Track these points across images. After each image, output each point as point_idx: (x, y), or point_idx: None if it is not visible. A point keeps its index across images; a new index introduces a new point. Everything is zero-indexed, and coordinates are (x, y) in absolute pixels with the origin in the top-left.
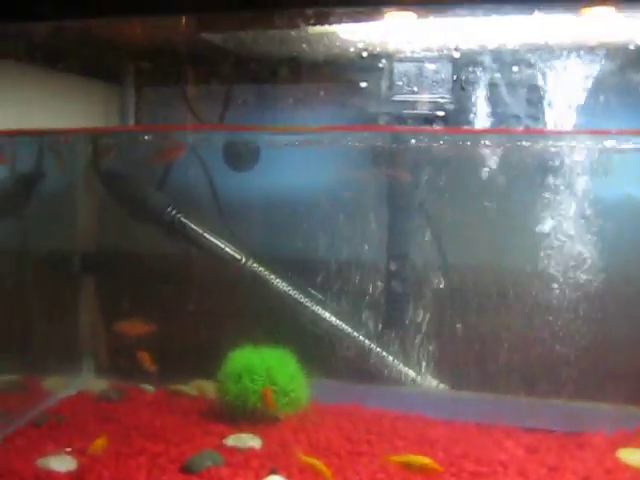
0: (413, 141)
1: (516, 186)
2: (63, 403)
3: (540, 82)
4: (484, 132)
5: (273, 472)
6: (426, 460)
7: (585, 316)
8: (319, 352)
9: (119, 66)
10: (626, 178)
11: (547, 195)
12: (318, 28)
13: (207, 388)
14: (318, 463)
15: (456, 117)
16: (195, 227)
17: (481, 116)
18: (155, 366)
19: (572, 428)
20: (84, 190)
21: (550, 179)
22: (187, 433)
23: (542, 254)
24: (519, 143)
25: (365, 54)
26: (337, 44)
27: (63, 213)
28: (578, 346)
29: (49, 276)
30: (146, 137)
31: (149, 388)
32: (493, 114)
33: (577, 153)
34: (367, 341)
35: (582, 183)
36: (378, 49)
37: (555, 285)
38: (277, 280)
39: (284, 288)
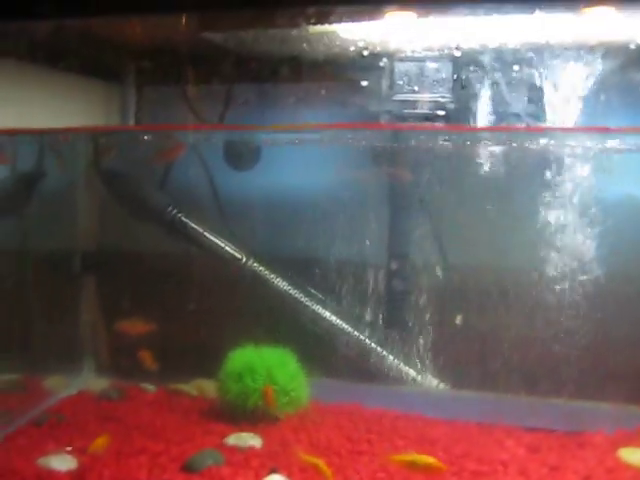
0: (414, 140)
1: (515, 184)
2: (64, 402)
3: (540, 81)
4: (484, 130)
5: (274, 471)
6: (430, 459)
7: (586, 315)
8: (319, 351)
9: (120, 65)
10: (627, 177)
11: (547, 194)
12: (319, 27)
13: (208, 387)
14: (319, 462)
15: (457, 116)
16: (195, 226)
17: (481, 115)
18: (156, 365)
19: (573, 427)
20: (85, 189)
21: (550, 178)
22: (188, 432)
23: (542, 253)
24: (520, 142)
25: (366, 53)
26: (338, 43)
27: (64, 212)
28: (579, 345)
29: (50, 275)
30: (146, 136)
31: (150, 387)
32: (494, 113)
33: (577, 151)
34: (367, 340)
35: (583, 181)
36: (379, 48)
37: (555, 284)
38: (277, 279)
39: (284, 287)
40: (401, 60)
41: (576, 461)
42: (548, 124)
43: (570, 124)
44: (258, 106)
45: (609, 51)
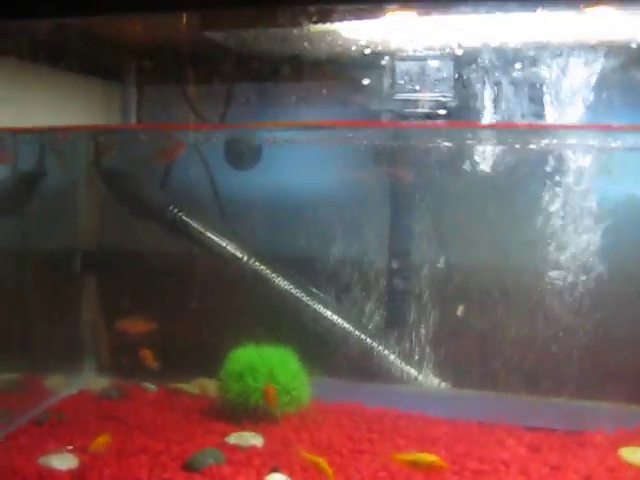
0: (415, 139)
1: (517, 183)
2: (64, 402)
3: (542, 79)
4: (484, 127)
5: (275, 470)
6: (433, 457)
7: (586, 315)
8: (321, 350)
9: (120, 64)
10: (629, 176)
11: (548, 192)
12: (320, 26)
13: (209, 386)
14: (321, 461)
15: (458, 114)
16: (196, 226)
17: (483, 113)
18: (157, 364)
19: (574, 427)
20: (85, 189)
21: (552, 176)
22: (189, 431)
23: (543, 252)
24: (521, 141)
25: (367, 52)
26: (339, 42)
27: (64, 212)
28: (580, 345)
29: (50, 275)
30: (147, 135)
31: (151, 387)
32: (495, 111)
33: (578, 150)
34: (369, 339)
35: (584, 180)
36: (380, 47)
37: (556, 284)
38: (278, 279)
39: (285, 287)
40: (402, 59)
41: (577, 460)
42: (549, 121)
43: (572, 122)
44: (259, 105)
45: (612, 49)
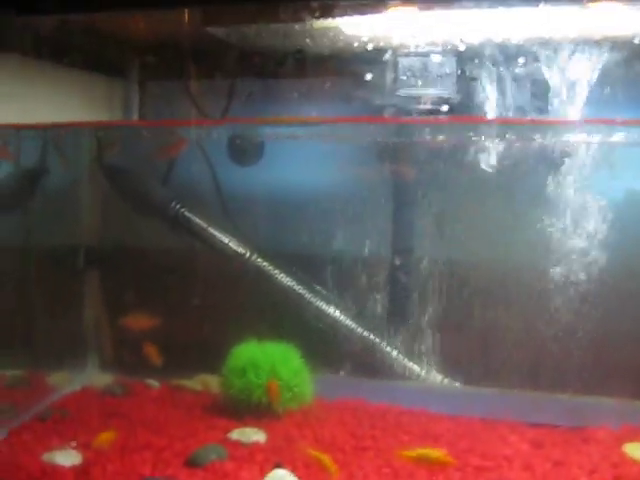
0: (417, 135)
1: (518, 179)
2: (67, 398)
3: (545, 75)
4: (487, 122)
5: (277, 466)
6: (439, 453)
7: (590, 310)
8: (323, 347)
9: (123, 60)
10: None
11: (550, 188)
12: (322, 22)
13: (211, 383)
14: (325, 458)
15: (461, 110)
16: (199, 222)
17: (485, 108)
18: (162, 359)
19: (577, 423)
20: (88, 185)
21: (553, 172)
22: (191, 427)
23: (546, 248)
24: (524, 136)
25: (369, 47)
26: (341, 38)
27: (67, 208)
28: (583, 341)
29: (53, 271)
30: (150, 132)
31: (153, 383)
32: (498, 106)
33: (581, 144)
34: (371, 336)
35: (586, 176)
36: (382, 43)
37: (559, 279)
38: (281, 275)
39: (288, 283)
40: (405, 55)
41: (580, 456)
42: (552, 117)
43: (575, 117)
44: (261, 101)
45: (615, 44)
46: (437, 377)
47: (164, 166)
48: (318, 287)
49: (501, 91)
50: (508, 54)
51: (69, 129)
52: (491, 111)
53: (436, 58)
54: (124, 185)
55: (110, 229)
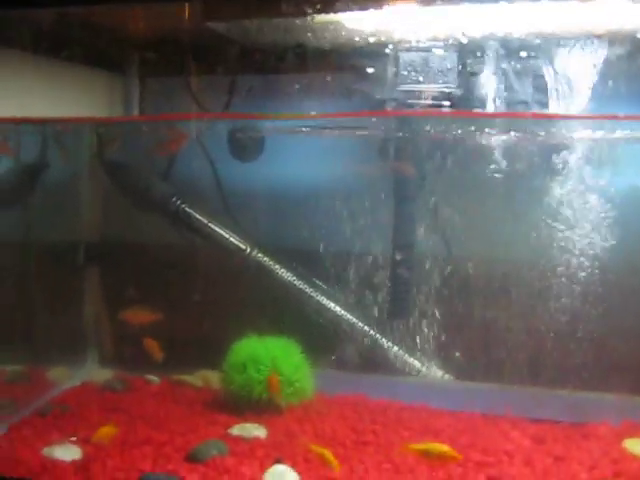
0: (419, 129)
1: (519, 175)
2: (68, 394)
3: (547, 69)
4: (489, 116)
5: (278, 461)
6: (445, 447)
7: (592, 306)
8: (324, 342)
9: (123, 56)
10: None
11: (552, 184)
12: (323, 16)
13: (212, 378)
14: (327, 452)
15: (462, 105)
16: (200, 217)
17: (487, 103)
18: (162, 355)
19: (578, 419)
20: (88, 180)
21: (555, 167)
22: (192, 423)
23: (548, 245)
24: (525, 130)
25: (371, 41)
26: (342, 33)
27: (67, 203)
28: (584, 336)
29: (53, 266)
30: (150, 127)
31: (154, 378)
32: (500, 101)
33: (583, 140)
34: (372, 331)
35: (586, 172)
36: (384, 37)
37: (561, 275)
38: (282, 270)
39: (289, 278)
40: (406, 50)
41: (581, 452)
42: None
43: (576, 112)
44: (262, 97)
45: (617, 38)
46: (438, 372)
47: (164, 161)
48: (318, 282)
49: (502, 85)
50: (509, 48)
51: (69, 124)
52: (491, 105)
53: (438, 52)
54: (124, 180)
55: (110, 224)
